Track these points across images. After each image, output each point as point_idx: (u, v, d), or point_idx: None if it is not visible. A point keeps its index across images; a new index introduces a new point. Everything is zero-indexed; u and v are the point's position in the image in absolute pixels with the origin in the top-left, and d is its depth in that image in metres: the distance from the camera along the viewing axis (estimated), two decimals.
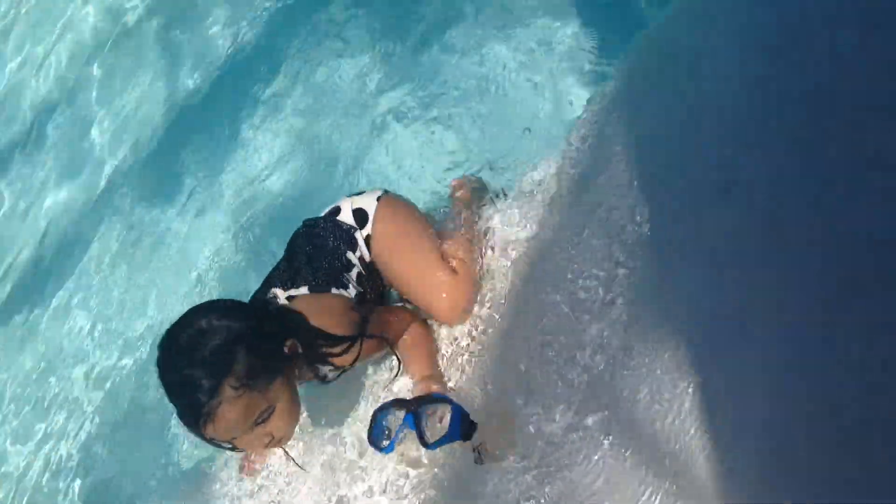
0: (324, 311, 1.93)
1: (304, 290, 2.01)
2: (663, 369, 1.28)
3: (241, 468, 2.30)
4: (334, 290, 2.02)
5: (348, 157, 2.87)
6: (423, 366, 2.03)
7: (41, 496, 2.91)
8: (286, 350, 1.80)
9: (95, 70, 4.01)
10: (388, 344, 2.03)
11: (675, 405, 1.22)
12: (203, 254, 3.06)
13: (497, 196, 2.28)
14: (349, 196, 2.21)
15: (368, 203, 2.15)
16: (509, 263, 2.07)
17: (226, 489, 2.34)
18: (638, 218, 1.54)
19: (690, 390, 1.21)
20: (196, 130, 3.41)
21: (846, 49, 1.26)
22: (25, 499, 2.95)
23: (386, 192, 2.20)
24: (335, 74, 3.11)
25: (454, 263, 2.07)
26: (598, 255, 1.60)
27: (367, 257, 2.12)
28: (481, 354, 1.99)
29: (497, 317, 2.01)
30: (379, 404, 1.85)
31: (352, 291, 2.06)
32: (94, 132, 3.81)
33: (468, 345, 2.05)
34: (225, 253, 3.02)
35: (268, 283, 2.06)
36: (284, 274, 2.04)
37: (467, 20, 2.83)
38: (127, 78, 3.84)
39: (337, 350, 1.89)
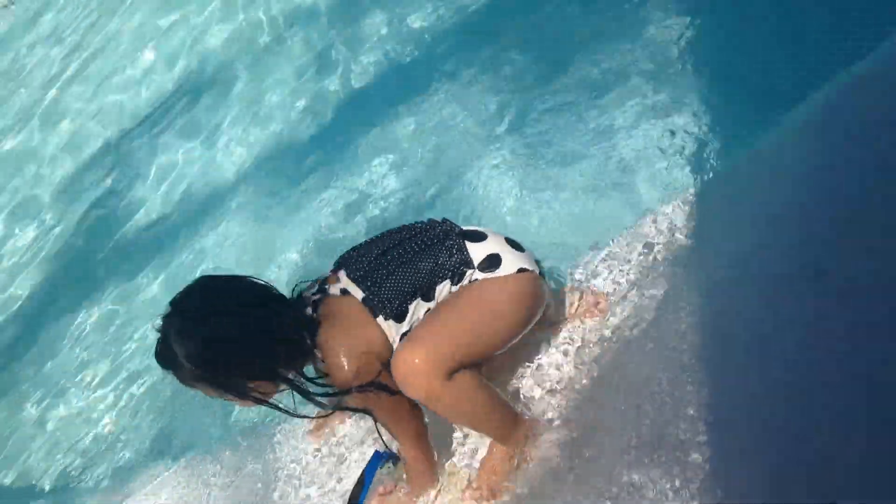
0: (341, 342, 1.79)
1: (359, 294, 1.86)
2: None
3: (309, 432, 2.45)
4: (381, 320, 1.83)
5: (456, 186, 3.00)
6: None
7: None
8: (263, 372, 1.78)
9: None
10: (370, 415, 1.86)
11: None
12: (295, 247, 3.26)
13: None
14: (506, 238, 1.97)
15: (513, 263, 1.88)
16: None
17: (286, 451, 2.50)
18: None
19: None
20: (324, 141, 3.66)
21: None
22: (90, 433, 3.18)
23: (541, 274, 1.96)
24: (459, 108, 3.27)
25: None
26: None
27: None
28: None
29: None
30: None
31: (403, 328, 1.84)
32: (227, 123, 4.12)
33: None
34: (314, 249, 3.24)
35: (345, 262, 1.93)
36: (359, 262, 1.89)
37: (598, 93, 2.89)
38: (270, 85, 4.16)
39: (318, 391, 1.81)
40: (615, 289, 2.15)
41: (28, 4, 6.58)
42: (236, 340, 1.70)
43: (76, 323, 3.68)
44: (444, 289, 1.86)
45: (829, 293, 1.44)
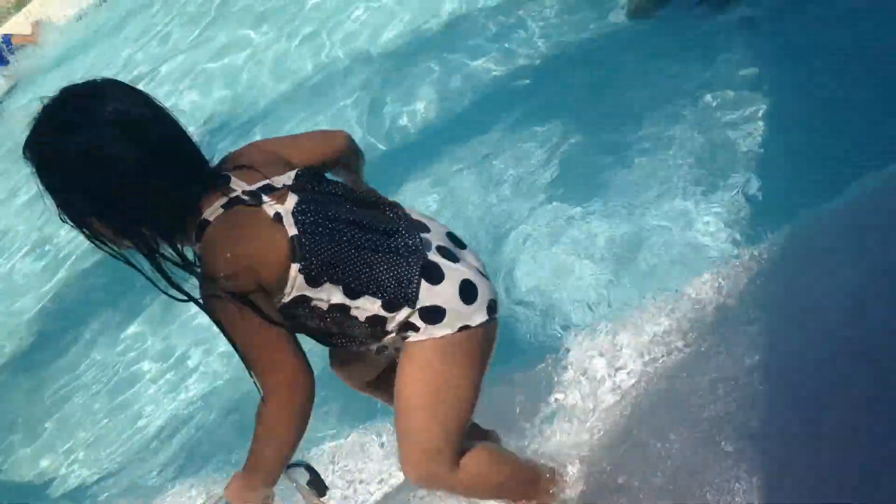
0: (229, 248, 1.47)
1: (291, 232, 1.52)
2: None
3: None
4: (295, 269, 1.53)
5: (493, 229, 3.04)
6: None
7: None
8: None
9: None
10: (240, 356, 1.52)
11: None
12: None
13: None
14: (463, 282, 1.66)
15: (456, 321, 1.65)
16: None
17: None
18: None
19: None
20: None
21: None
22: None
23: (491, 308, 1.70)
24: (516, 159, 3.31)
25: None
26: None
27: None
28: None
29: None
30: None
31: (306, 290, 1.55)
32: None
33: None
34: None
35: (303, 188, 1.59)
36: (318, 205, 1.57)
37: (641, 163, 2.93)
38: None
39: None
40: (643, 354, 2.14)
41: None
42: (122, 175, 1.43)
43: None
44: (372, 305, 1.60)
45: (877, 381, 1.44)
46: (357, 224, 1.60)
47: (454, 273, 1.66)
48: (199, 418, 3.15)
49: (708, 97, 2.94)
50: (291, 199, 1.56)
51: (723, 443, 1.63)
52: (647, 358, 2.09)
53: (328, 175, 1.69)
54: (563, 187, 3.03)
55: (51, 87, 1.49)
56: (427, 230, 1.69)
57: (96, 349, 3.82)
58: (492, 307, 1.70)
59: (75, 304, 4.24)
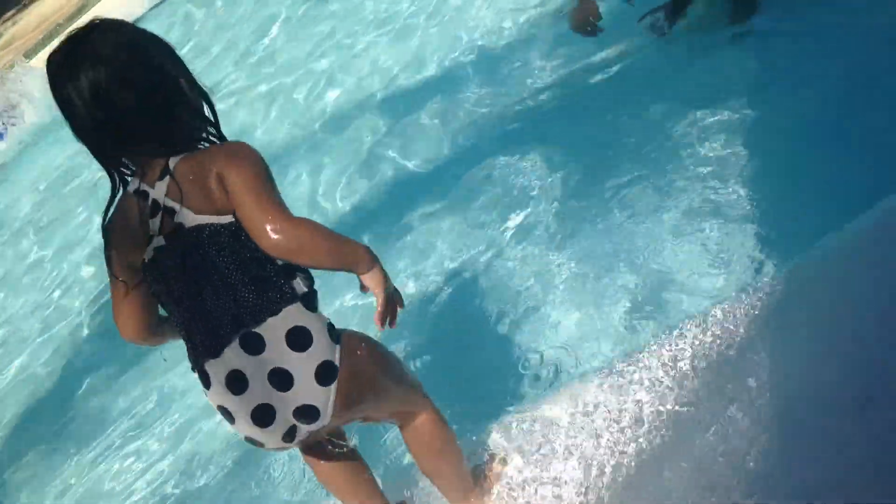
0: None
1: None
2: None
3: None
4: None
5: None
6: None
7: None
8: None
9: None
10: None
11: None
12: None
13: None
14: (322, 364, 1.63)
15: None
16: None
17: None
18: None
19: None
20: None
21: None
22: None
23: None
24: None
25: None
26: None
27: None
28: None
29: None
30: None
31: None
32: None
33: None
34: None
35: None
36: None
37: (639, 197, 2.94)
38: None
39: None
40: (649, 389, 2.11)
41: None
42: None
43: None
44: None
45: (875, 422, 1.45)
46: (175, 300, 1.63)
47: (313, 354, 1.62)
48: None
49: (696, 129, 2.97)
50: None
51: None
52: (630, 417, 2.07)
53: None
54: (548, 227, 3.03)
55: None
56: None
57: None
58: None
59: None
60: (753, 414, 1.74)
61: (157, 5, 7.68)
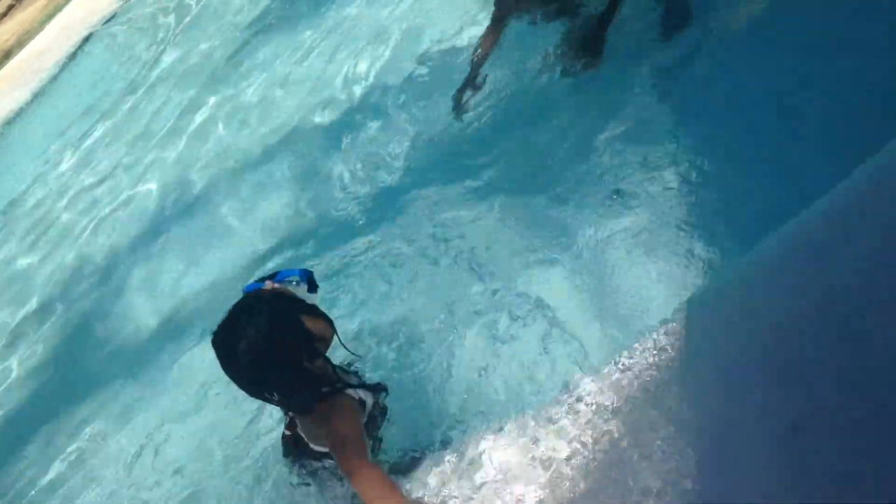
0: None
1: None
2: None
3: None
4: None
5: None
6: None
7: None
8: None
9: None
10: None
11: None
12: None
13: None
14: None
15: None
16: None
17: None
18: None
19: None
20: None
21: None
22: None
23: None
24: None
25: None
26: None
27: None
28: None
29: None
30: None
31: None
32: None
33: None
34: None
35: None
36: None
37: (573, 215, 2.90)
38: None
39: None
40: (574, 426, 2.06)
41: None
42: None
43: None
44: None
45: (803, 450, 1.45)
46: None
47: None
48: None
49: (621, 152, 2.94)
50: None
51: None
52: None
53: None
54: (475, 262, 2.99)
55: None
56: None
57: None
58: None
59: None
60: (679, 445, 1.71)
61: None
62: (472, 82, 3.61)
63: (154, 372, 3.71)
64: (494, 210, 3.12)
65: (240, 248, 4.13)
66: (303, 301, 2.15)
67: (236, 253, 4.09)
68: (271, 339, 2.00)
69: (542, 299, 2.68)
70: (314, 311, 2.16)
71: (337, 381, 2.20)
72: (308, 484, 2.36)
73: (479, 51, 3.62)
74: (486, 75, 3.58)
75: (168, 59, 6.60)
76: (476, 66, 3.61)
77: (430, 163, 3.63)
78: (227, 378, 2.06)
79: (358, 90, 4.50)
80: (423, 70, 4.18)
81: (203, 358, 3.35)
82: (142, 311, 4.27)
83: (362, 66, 4.62)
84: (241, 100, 5.31)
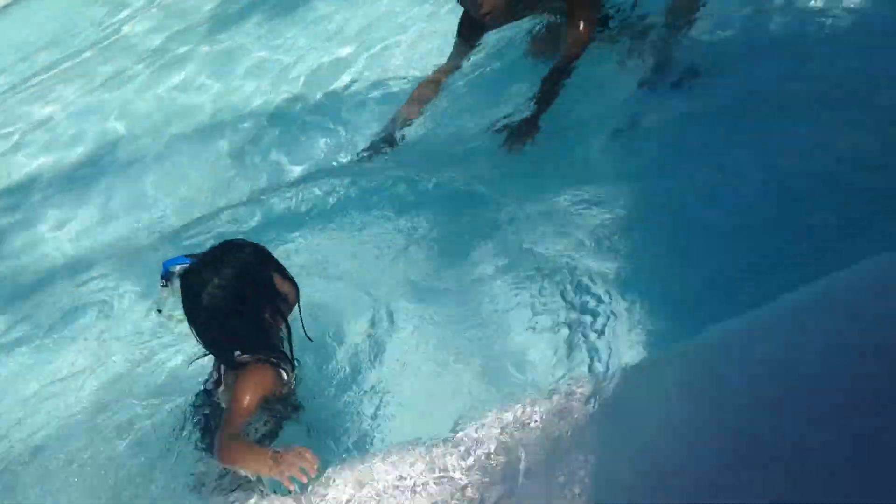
0: None
1: None
2: None
3: None
4: None
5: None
6: None
7: None
8: None
9: None
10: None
11: None
12: None
13: None
14: None
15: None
16: None
17: None
18: None
19: None
20: None
21: None
22: None
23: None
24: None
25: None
26: None
27: None
28: None
29: None
30: None
31: None
32: None
33: None
34: None
35: None
36: None
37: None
38: None
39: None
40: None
41: None
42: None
43: None
44: None
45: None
46: None
47: None
48: None
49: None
50: None
51: None
52: None
53: None
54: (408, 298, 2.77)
55: None
56: None
57: None
58: None
59: None
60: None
61: None
62: (390, 137, 3.37)
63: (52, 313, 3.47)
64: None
65: (158, 216, 4.02)
66: (277, 260, 2.23)
67: (153, 219, 3.99)
68: (242, 283, 2.10)
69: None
70: (285, 272, 2.23)
71: (281, 352, 2.22)
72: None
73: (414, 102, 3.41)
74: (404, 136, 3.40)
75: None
76: (401, 121, 3.38)
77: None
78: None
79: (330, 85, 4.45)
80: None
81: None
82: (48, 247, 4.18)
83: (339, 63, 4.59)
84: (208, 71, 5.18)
